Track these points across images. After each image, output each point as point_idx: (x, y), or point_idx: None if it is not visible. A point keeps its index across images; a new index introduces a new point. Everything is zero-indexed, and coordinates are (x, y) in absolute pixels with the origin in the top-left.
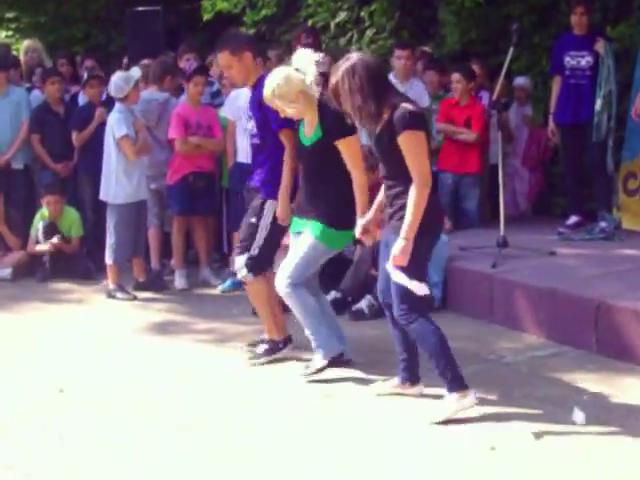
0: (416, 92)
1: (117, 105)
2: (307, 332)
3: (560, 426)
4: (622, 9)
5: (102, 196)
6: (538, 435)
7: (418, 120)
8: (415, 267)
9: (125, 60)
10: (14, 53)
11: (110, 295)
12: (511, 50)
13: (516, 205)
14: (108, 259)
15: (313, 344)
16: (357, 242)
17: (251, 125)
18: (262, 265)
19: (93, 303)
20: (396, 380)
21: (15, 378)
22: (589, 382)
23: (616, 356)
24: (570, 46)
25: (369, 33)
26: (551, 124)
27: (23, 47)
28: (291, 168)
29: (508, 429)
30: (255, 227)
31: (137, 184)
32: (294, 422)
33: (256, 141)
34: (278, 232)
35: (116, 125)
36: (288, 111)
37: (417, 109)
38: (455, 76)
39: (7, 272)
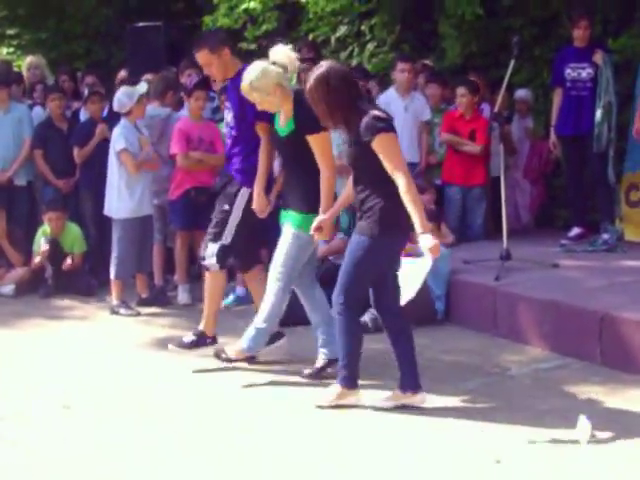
0: (417, 105)
1: (122, 120)
2: (319, 332)
3: (565, 438)
4: (623, 21)
5: (106, 211)
6: (543, 447)
7: (387, 123)
8: (369, 265)
9: (121, 73)
10: (17, 69)
11: (113, 311)
12: (512, 63)
13: (518, 218)
14: (111, 274)
15: (319, 343)
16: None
17: (230, 117)
18: (228, 256)
19: (96, 319)
20: (397, 391)
21: (19, 394)
22: (594, 394)
23: (621, 368)
24: (571, 58)
25: (370, 47)
26: (552, 136)
27: (26, 63)
28: (266, 160)
29: (513, 442)
30: (227, 214)
31: (140, 199)
32: (294, 424)
33: (233, 133)
34: (250, 220)
35: (117, 139)
36: (265, 104)
37: (384, 115)
38: (460, 90)
39: (10, 288)
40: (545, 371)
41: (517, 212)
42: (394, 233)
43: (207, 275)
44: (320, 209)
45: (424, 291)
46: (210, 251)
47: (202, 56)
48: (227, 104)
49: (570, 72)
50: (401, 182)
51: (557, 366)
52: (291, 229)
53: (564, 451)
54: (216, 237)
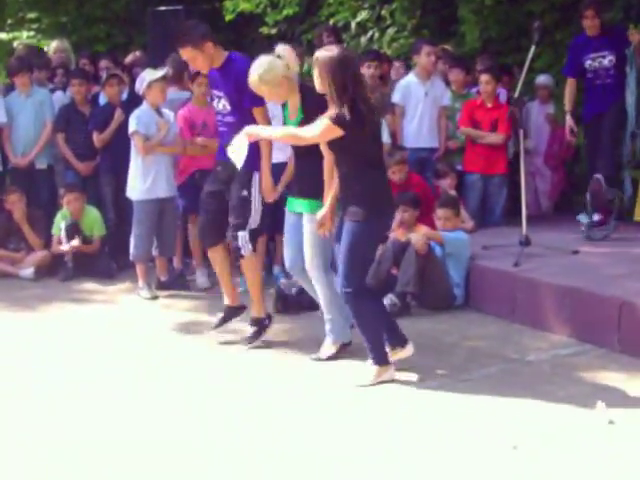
0: (437, 90)
1: (143, 103)
2: (325, 315)
3: (583, 425)
4: None
5: (126, 192)
6: (560, 434)
7: (346, 122)
8: (366, 248)
9: (129, 57)
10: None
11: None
12: (533, 48)
13: (538, 204)
14: (130, 255)
15: (327, 327)
16: (380, 241)
17: (222, 104)
18: (258, 236)
19: (116, 302)
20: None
21: (38, 376)
22: (612, 381)
23: (639, 355)
24: (588, 49)
25: (390, 32)
26: (569, 122)
27: (51, 47)
28: (268, 144)
29: (530, 428)
30: (247, 200)
31: (153, 181)
32: (316, 419)
33: (230, 119)
34: (264, 201)
35: (129, 122)
36: (273, 96)
37: (363, 110)
38: (485, 77)
39: (29, 272)
40: (564, 357)
41: (537, 198)
42: (382, 214)
43: (243, 261)
44: (325, 197)
45: (443, 277)
46: (242, 240)
47: (186, 52)
48: (216, 92)
49: (591, 62)
50: (301, 131)
51: (576, 353)
52: (311, 216)
53: (582, 437)
54: (241, 225)
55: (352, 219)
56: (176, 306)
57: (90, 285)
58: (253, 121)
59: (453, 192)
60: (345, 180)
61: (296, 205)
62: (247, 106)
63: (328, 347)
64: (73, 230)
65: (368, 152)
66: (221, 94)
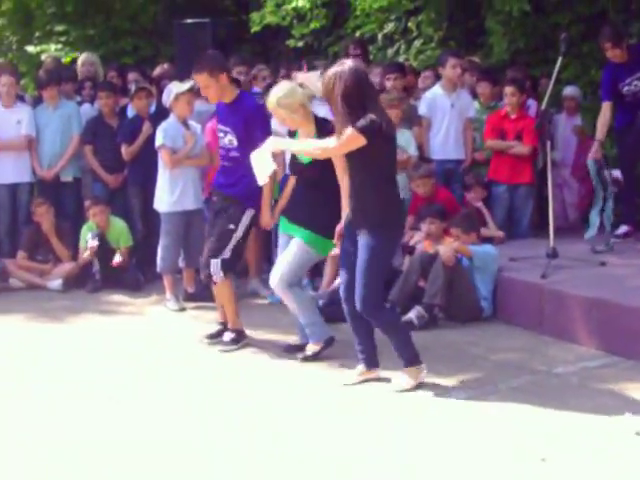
0: (463, 102)
1: (170, 115)
2: (302, 322)
3: (611, 437)
4: None
5: (154, 205)
6: (589, 445)
7: (371, 131)
8: (382, 261)
9: (157, 70)
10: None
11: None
12: (560, 60)
13: (565, 216)
14: (157, 267)
15: (308, 331)
16: (408, 253)
17: (227, 139)
18: (231, 267)
19: (143, 314)
20: (361, 367)
21: (66, 387)
22: None
23: None
24: (622, 76)
25: (417, 44)
26: (595, 147)
27: (80, 60)
28: (272, 181)
29: (559, 440)
30: (231, 233)
31: (181, 194)
32: (326, 424)
33: (235, 154)
34: (247, 236)
35: (156, 136)
36: (288, 121)
37: (382, 124)
38: (510, 89)
39: (57, 283)
40: (592, 369)
41: (565, 210)
42: (395, 227)
43: (215, 288)
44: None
45: (470, 290)
46: (214, 267)
47: (201, 78)
48: (222, 127)
49: (629, 88)
50: (324, 142)
51: (604, 365)
52: (302, 243)
53: (610, 449)
54: (216, 253)
55: (369, 233)
56: (204, 317)
57: (118, 297)
58: None
59: (479, 204)
60: (359, 192)
61: (292, 230)
62: (260, 136)
63: (312, 347)
64: (99, 241)
65: (385, 164)
66: (228, 129)
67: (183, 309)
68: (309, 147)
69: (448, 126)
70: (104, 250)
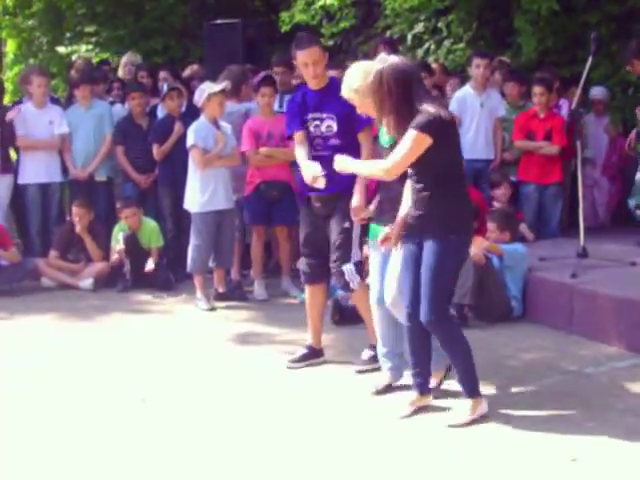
0: (493, 102)
1: (201, 115)
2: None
3: None
4: None
5: (184, 205)
6: (619, 446)
7: (433, 126)
8: (452, 268)
9: (187, 71)
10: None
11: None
12: (590, 59)
13: (596, 215)
14: (188, 267)
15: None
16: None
17: (325, 126)
18: (362, 268)
19: (174, 314)
20: (414, 394)
21: (98, 387)
22: None
23: None
24: None
25: (446, 44)
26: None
27: (123, 60)
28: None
29: (589, 440)
30: (349, 231)
31: (212, 194)
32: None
33: (336, 142)
34: (366, 229)
35: (188, 136)
36: (364, 107)
37: (443, 115)
38: (539, 89)
39: (89, 283)
40: (622, 370)
41: (595, 209)
42: (464, 231)
43: (355, 294)
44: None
45: (500, 289)
46: (349, 274)
47: (315, 52)
48: (316, 114)
49: None
50: (384, 163)
51: (634, 365)
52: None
53: None
54: (345, 259)
55: (436, 238)
56: (234, 317)
57: (148, 297)
58: (358, 145)
59: (505, 204)
60: (426, 195)
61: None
62: (357, 131)
63: (384, 377)
64: (131, 241)
65: (453, 161)
66: (324, 115)
67: (213, 309)
68: (372, 170)
69: (478, 125)
70: (136, 250)
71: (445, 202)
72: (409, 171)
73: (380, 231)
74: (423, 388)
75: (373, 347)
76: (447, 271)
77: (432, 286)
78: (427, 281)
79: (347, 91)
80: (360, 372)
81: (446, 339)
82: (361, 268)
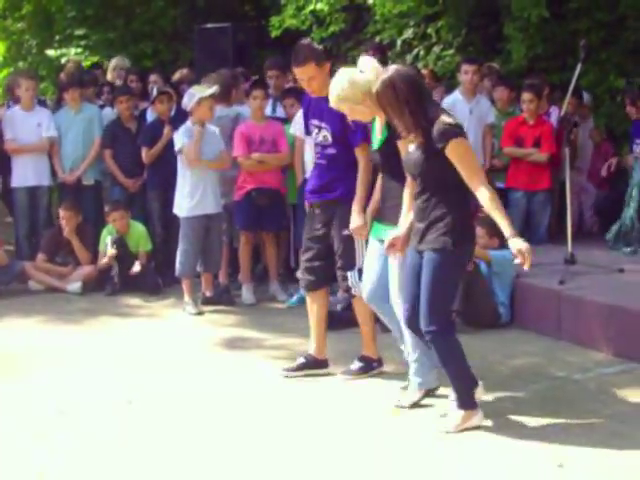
0: (482, 108)
1: (188, 119)
2: (411, 357)
3: (629, 444)
4: None
5: (173, 209)
6: (606, 452)
7: (460, 129)
8: (452, 280)
9: (176, 75)
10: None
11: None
12: (579, 66)
13: (583, 222)
14: (176, 271)
15: (411, 370)
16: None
17: (322, 136)
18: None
19: (162, 317)
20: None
21: (85, 389)
22: None
23: None
24: None
25: (436, 50)
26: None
27: (111, 64)
28: (366, 182)
29: (576, 446)
30: (351, 238)
31: (201, 198)
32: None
33: (332, 151)
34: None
35: (175, 140)
36: (355, 114)
37: (455, 120)
38: (528, 95)
39: (77, 286)
40: (609, 376)
41: (582, 216)
42: (467, 242)
43: (356, 300)
44: (401, 218)
45: (488, 295)
46: (352, 280)
47: (307, 70)
48: (315, 122)
49: None
50: (483, 190)
51: (621, 371)
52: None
53: (628, 457)
54: (348, 265)
55: (438, 249)
56: (221, 322)
57: (136, 300)
58: (354, 157)
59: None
60: (429, 204)
61: (384, 232)
62: (355, 145)
63: (412, 392)
64: (119, 245)
65: (456, 170)
66: (322, 125)
67: (201, 313)
68: (498, 208)
69: (467, 132)
70: (123, 254)
71: (447, 211)
72: (409, 179)
73: (381, 229)
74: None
75: (364, 359)
76: (448, 282)
77: (430, 297)
78: (427, 291)
79: (335, 101)
80: (346, 380)
81: (443, 350)
82: (361, 276)
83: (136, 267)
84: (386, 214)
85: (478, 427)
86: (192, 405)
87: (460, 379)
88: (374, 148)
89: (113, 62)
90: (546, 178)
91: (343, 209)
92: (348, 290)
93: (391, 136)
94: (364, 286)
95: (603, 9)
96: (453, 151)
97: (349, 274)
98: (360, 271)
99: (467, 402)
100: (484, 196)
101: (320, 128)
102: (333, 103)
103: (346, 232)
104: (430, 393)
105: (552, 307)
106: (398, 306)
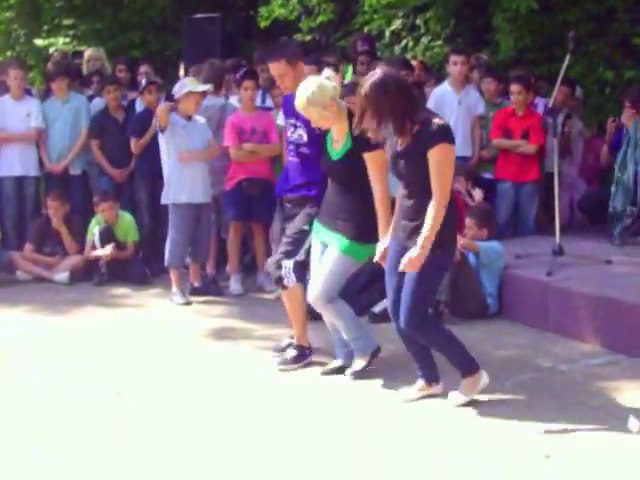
0: (471, 99)
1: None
2: (347, 337)
3: (615, 435)
4: None
5: (161, 199)
6: (592, 443)
7: (451, 134)
8: (434, 280)
9: (181, 72)
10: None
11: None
12: (567, 58)
13: (572, 214)
14: (165, 261)
15: (353, 345)
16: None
17: (298, 134)
18: (303, 270)
19: (149, 308)
20: (420, 382)
21: (72, 381)
22: None
23: None
24: None
25: (424, 40)
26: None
27: (86, 55)
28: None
29: (563, 438)
30: (307, 234)
31: (190, 188)
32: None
33: (305, 151)
34: None
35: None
36: (321, 120)
37: (447, 123)
38: (516, 87)
39: (64, 276)
40: (596, 367)
41: (571, 208)
42: (451, 244)
43: (285, 292)
44: (380, 229)
45: (476, 286)
46: (286, 269)
47: (279, 67)
48: (292, 120)
49: None
50: (439, 202)
51: (608, 362)
52: (337, 252)
53: (614, 448)
54: (289, 254)
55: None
56: (209, 312)
57: (124, 290)
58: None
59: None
60: (415, 205)
61: (329, 238)
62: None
63: (359, 362)
64: (107, 235)
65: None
66: (298, 123)
67: (189, 303)
68: (436, 218)
69: (455, 123)
70: (111, 246)
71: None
72: (381, 194)
73: (319, 229)
74: (428, 376)
75: (298, 347)
76: (430, 283)
77: (412, 295)
78: (409, 291)
79: (304, 104)
80: (282, 370)
81: (429, 340)
82: (300, 269)
83: (108, 249)
84: (324, 216)
85: (460, 416)
86: (183, 398)
87: (456, 353)
88: (334, 158)
89: (87, 53)
90: (535, 169)
91: (311, 206)
92: (279, 281)
93: (355, 147)
94: (312, 291)
95: (592, 1)
96: (438, 153)
97: (284, 263)
98: (296, 263)
99: (470, 367)
100: (435, 207)
101: (296, 127)
102: (301, 107)
103: (305, 227)
104: (376, 354)
105: (540, 298)
106: (319, 302)
